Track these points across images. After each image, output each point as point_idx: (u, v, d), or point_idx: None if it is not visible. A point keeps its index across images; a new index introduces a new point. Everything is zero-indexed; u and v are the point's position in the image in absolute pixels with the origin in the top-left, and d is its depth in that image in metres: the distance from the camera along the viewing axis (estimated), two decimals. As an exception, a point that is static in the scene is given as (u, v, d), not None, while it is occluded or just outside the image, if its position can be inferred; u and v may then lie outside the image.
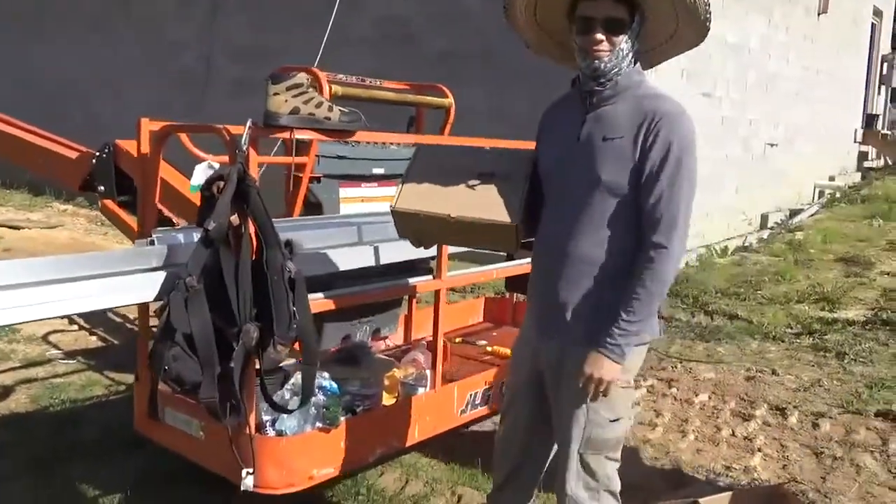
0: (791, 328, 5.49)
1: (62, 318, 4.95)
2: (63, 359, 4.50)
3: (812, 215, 9.72)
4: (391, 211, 2.21)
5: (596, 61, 1.93)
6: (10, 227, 8.17)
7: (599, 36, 1.91)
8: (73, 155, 4.68)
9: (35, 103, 11.22)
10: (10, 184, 11.21)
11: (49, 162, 4.93)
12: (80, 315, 5.05)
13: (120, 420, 3.35)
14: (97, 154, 4.27)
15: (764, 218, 9.16)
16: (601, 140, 1.94)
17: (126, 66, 10.67)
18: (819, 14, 9.89)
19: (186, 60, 9.74)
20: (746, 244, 8.39)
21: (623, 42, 1.93)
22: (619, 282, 1.97)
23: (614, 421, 2.05)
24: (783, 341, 5.22)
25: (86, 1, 11.11)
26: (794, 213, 9.73)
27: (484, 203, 2.11)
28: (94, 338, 4.93)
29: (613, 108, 1.96)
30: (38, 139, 5.31)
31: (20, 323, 4.41)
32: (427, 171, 2.23)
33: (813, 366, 4.74)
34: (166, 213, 3.84)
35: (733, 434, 3.73)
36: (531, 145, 2.25)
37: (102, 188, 4.24)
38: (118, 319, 5.13)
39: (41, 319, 2.16)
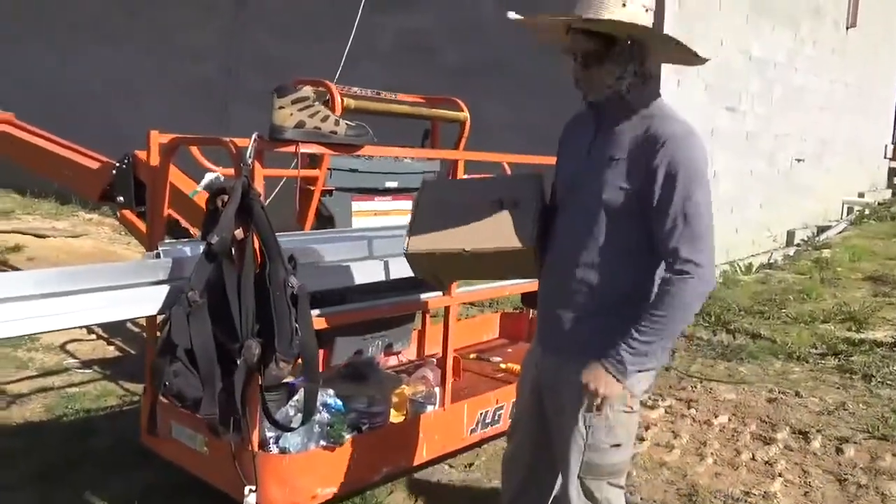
0: (816, 348, 5.36)
1: (80, 328, 4.99)
2: (79, 368, 4.52)
3: (840, 232, 9.52)
4: (405, 255, 2.16)
5: (583, 91, 1.95)
6: (36, 236, 8.28)
7: (579, 68, 1.92)
8: (95, 165, 4.74)
9: (57, 113, 11.36)
10: (37, 192, 11.38)
11: (72, 172, 4.99)
12: (97, 325, 5.09)
13: (131, 431, 3.34)
14: (117, 164, 4.31)
15: (790, 234, 9.00)
16: (608, 159, 1.90)
17: (148, 75, 10.79)
18: (848, 28, 9.74)
19: (208, 70, 9.83)
20: (771, 261, 8.24)
21: (604, 72, 1.89)
22: (622, 307, 1.92)
23: (614, 446, 1.99)
24: (807, 362, 5.10)
25: (109, 11, 11.26)
26: (821, 229, 9.55)
27: (496, 231, 2.07)
28: (111, 348, 4.95)
29: (624, 128, 1.92)
30: (61, 149, 5.38)
31: (22, 335, 4.46)
32: (433, 208, 2.19)
33: (838, 388, 4.61)
34: (184, 223, 3.86)
35: (753, 458, 3.63)
36: (549, 159, 2.23)
37: (122, 198, 4.28)
38: (136, 329, 5.14)
39: (43, 332, 2.15)
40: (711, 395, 4.43)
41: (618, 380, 1.88)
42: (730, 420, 4.08)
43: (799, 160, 8.90)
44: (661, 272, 1.91)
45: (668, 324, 1.86)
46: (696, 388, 4.55)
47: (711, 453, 3.65)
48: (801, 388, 4.54)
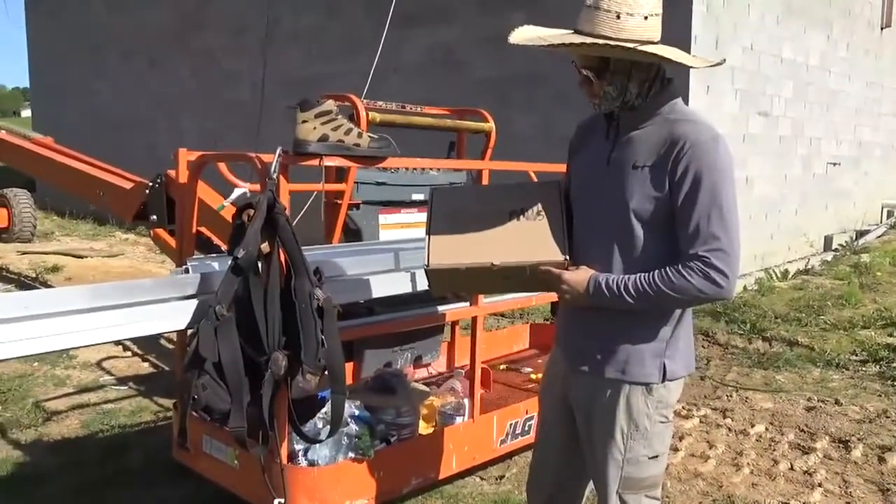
0: (856, 355, 5.23)
1: (115, 344, 5.07)
2: (115, 385, 4.59)
3: (880, 237, 9.31)
4: (425, 271, 2.01)
5: (591, 102, 1.92)
6: (74, 256, 8.47)
7: (582, 81, 1.89)
8: (129, 185, 4.84)
9: (101, 136, 11.71)
10: (76, 214, 11.67)
11: (106, 193, 5.11)
12: (132, 341, 5.17)
13: (165, 446, 3.38)
14: (150, 184, 4.39)
15: (827, 240, 8.82)
16: (631, 167, 1.85)
17: (184, 98, 11.04)
18: (882, 28, 9.56)
19: (241, 91, 9.99)
20: (808, 267, 8.08)
21: (606, 84, 1.85)
22: (650, 318, 1.89)
23: (653, 458, 1.95)
24: (847, 369, 4.98)
25: (146, 37, 11.57)
26: (860, 234, 9.35)
27: (526, 243, 1.96)
28: (146, 364, 5.02)
29: (643, 134, 1.87)
30: (96, 171, 5.51)
31: (59, 352, 4.55)
32: (450, 219, 2.05)
33: (879, 395, 4.49)
34: (215, 240, 3.91)
35: (792, 468, 3.54)
36: None
37: (155, 217, 4.36)
38: (170, 346, 5.21)
39: (74, 348, 2.18)
40: (747, 404, 4.34)
41: (581, 291, 1.88)
42: (767, 429, 3.99)
43: (834, 164, 8.73)
44: None
45: (663, 297, 1.81)
46: (731, 397, 4.47)
47: (748, 463, 3.57)
48: (840, 396, 4.43)
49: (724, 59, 1.90)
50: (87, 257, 8.52)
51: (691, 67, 1.92)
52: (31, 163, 6.29)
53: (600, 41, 1.75)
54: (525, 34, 1.86)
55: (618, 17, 1.75)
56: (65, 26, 13.23)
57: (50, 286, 6.84)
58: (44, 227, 10.72)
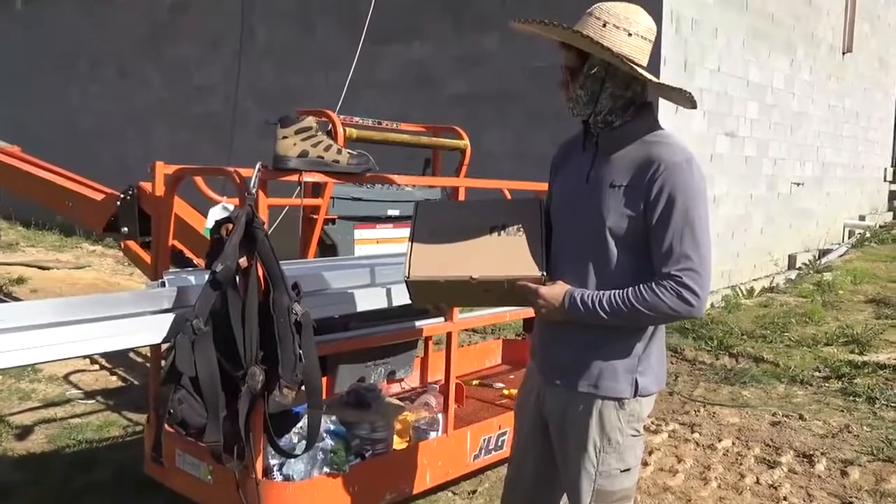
0: (819, 371, 5.35)
1: (83, 357, 5.00)
2: (82, 399, 4.52)
3: (841, 256, 9.53)
4: (405, 282, 2.04)
5: (567, 106, 1.99)
6: (39, 268, 8.32)
7: (561, 82, 1.97)
8: (99, 197, 4.78)
9: (68, 145, 11.56)
10: (42, 224, 11.48)
11: (76, 204, 5.04)
12: (101, 355, 5.10)
13: (133, 462, 3.34)
14: (121, 196, 4.35)
15: (791, 258, 9.02)
16: (608, 185, 1.91)
17: (155, 108, 10.96)
18: (844, 53, 9.84)
19: (213, 103, 9.96)
20: (773, 285, 8.25)
21: (578, 87, 1.93)
22: (629, 336, 1.94)
23: (625, 471, 1.99)
24: (811, 385, 5.09)
25: (117, 46, 11.47)
26: (823, 253, 9.56)
27: (505, 258, 2.00)
28: (114, 377, 4.96)
29: (622, 154, 1.92)
30: (65, 181, 5.43)
31: (26, 366, 4.47)
32: (433, 232, 2.10)
33: (842, 411, 4.60)
34: (188, 253, 3.89)
35: (758, 482, 3.61)
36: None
37: (126, 229, 4.31)
38: (139, 359, 5.15)
39: (48, 362, 2.16)
40: (715, 419, 4.42)
41: (556, 305, 1.92)
42: (733, 444, 4.07)
43: (798, 184, 8.94)
44: None
45: (630, 317, 1.86)
46: (699, 412, 4.54)
47: (715, 477, 3.64)
48: (804, 412, 4.53)
49: (691, 95, 1.95)
50: (52, 269, 8.37)
51: (679, 98, 1.98)
52: (-2, 172, 6.18)
53: (571, 32, 1.85)
54: (524, 25, 1.96)
55: (604, 25, 1.87)
56: (35, 35, 13.07)
57: (15, 298, 6.72)
58: (8, 237, 10.53)
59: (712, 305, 7.08)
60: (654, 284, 1.85)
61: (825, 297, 7.47)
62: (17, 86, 13.57)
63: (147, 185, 3.48)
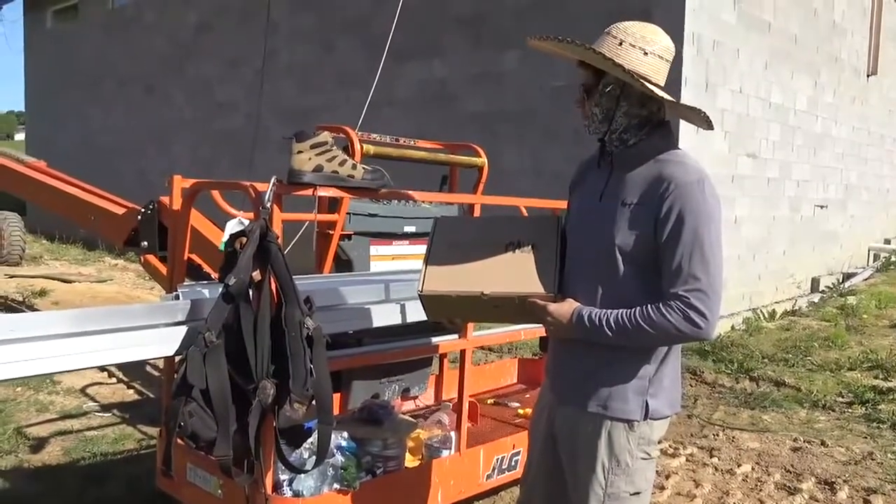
0: (842, 397, 5.25)
1: (100, 370, 5.03)
2: (99, 411, 4.54)
3: (866, 279, 9.39)
4: (419, 296, 2.08)
5: (584, 124, 1.99)
6: (62, 281, 8.42)
7: (578, 100, 1.98)
8: (120, 211, 4.84)
9: (93, 160, 11.74)
10: (66, 238, 11.65)
11: (98, 218, 5.10)
12: (117, 368, 5.13)
13: (146, 476, 3.35)
14: (142, 210, 4.40)
15: (815, 281, 8.89)
16: (620, 204, 1.90)
17: (178, 125, 11.11)
18: (868, 76, 9.76)
19: (235, 121, 10.07)
20: (796, 308, 8.13)
21: (594, 105, 1.93)
22: (633, 355, 1.91)
23: (634, 494, 1.95)
24: (833, 410, 4.99)
25: (142, 64, 11.66)
26: (847, 276, 9.43)
27: (517, 275, 2.01)
28: (131, 391, 4.98)
29: (636, 173, 1.91)
30: (88, 195, 5.51)
31: (43, 377, 4.50)
32: (449, 247, 2.12)
33: (865, 437, 4.51)
34: (206, 268, 3.91)
35: (778, 508, 3.54)
36: (566, 203, 2.22)
37: (146, 243, 4.35)
38: (155, 373, 5.18)
39: (61, 372, 2.17)
40: (734, 444, 4.34)
41: (566, 323, 1.91)
42: (753, 469, 3.99)
43: (822, 206, 8.84)
44: None
45: (635, 336, 1.84)
46: (718, 436, 4.47)
47: (734, 503, 3.56)
48: (826, 437, 4.44)
49: (706, 115, 1.93)
50: (75, 282, 8.47)
51: (696, 119, 1.96)
52: (23, 186, 6.29)
53: (585, 49, 1.85)
54: (541, 42, 1.97)
55: (620, 44, 1.87)
56: (63, 53, 13.33)
57: (37, 310, 6.79)
58: (33, 250, 10.68)
59: (732, 328, 6.99)
60: (661, 304, 1.82)
61: (849, 321, 7.35)
62: (45, 102, 13.85)
63: (167, 200, 3.50)
